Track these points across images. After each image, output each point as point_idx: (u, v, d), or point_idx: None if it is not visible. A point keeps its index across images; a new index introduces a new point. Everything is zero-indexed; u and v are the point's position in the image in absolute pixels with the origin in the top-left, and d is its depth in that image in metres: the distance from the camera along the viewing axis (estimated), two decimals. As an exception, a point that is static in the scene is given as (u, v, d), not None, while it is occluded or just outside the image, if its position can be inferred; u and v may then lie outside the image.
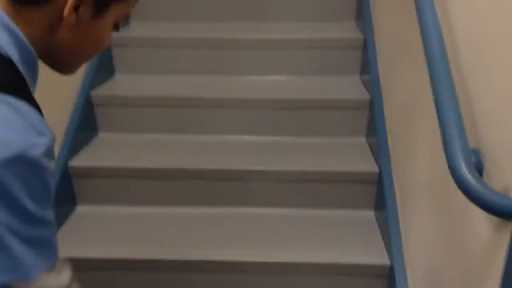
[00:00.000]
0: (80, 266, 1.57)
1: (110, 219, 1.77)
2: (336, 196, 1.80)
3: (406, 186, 1.54)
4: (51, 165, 0.59)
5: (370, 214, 1.80)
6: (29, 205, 0.57)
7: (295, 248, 1.61)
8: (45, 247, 0.63)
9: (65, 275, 0.67)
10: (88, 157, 1.84)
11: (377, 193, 1.76)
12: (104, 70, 2.13)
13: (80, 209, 1.82)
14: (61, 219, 1.73)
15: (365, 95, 1.95)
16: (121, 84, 2.12)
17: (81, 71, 1.97)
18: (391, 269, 1.53)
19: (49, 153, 0.58)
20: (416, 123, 1.46)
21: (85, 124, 1.93)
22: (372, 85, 1.90)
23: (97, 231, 1.70)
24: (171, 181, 1.79)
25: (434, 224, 1.27)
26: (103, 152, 1.89)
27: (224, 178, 1.79)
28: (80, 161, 1.81)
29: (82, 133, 1.90)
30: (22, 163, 0.55)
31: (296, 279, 1.59)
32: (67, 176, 1.77)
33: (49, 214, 0.62)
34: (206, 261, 1.57)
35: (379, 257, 1.58)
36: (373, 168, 1.77)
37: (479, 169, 0.93)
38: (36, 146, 0.56)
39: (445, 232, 1.19)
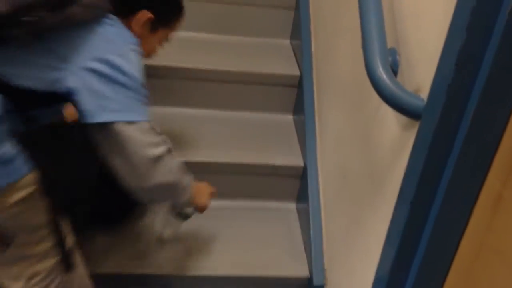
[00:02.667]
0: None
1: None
2: (257, 98, 1.78)
3: (325, 89, 1.55)
4: None
5: (289, 118, 1.81)
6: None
7: (214, 148, 1.60)
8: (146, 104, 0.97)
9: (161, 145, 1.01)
10: None
11: (297, 97, 1.76)
12: None
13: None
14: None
15: (292, -6, 1.87)
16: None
17: None
18: (304, 169, 1.57)
19: None
20: (339, 24, 1.43)
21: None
22: (299, -16, 1.82)
23: None
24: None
25: (348, 125, 1.29)
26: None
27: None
28: None
29: None
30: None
31: (215, 178, 1.60)
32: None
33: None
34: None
35: (294, 159, 1.61)
36: (294, 71, 1.75)
37: (394, 69, 0.93)
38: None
39: (357, 132, 1.21)
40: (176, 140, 1.61)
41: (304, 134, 1.60)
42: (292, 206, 1.66)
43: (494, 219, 0.77)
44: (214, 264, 1.42)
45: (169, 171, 1.02)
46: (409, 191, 0.82)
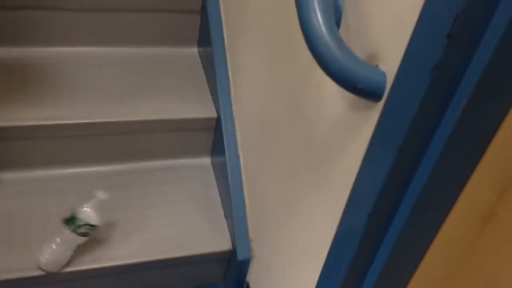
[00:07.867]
0: None
1: None
2: (153, 28, 1.42)
3: (238, 18, 1.23)
4: None
5: (194, 51, 1.48)
6: None
7: (98, 101, 1.26)
8: None
9: None
10: None
11: (201, 26, 1.43)
12: None
13: None
14: None
15: None
16: None
17: None
18: (218, 120, 1.30)
19: None
20: None
21: None
22: None
23: None
24: None
25: (272, 74, 1.02)
26: None
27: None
28: None
29: None
30: None
31: (102, 140, 1.28)
32: None
33: None
34: None
35: (204, 108, 1.32)
36: None
37: (336, 17, 0.64)
38: None
39: (283, 85, 0.95)
40: (39, 91, 1.24)
41: (215, 75, 1.30)
42: (207, 161, 1.40)
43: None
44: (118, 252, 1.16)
45: None
46: (367, 202, 0.59)
